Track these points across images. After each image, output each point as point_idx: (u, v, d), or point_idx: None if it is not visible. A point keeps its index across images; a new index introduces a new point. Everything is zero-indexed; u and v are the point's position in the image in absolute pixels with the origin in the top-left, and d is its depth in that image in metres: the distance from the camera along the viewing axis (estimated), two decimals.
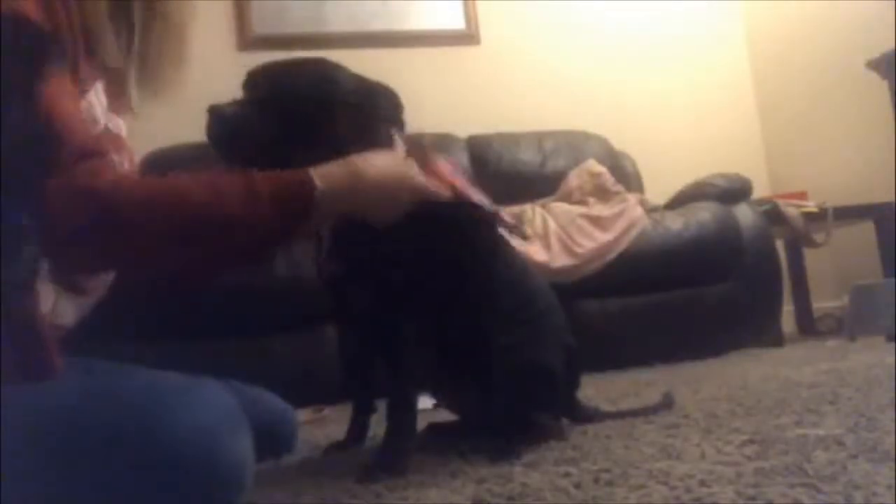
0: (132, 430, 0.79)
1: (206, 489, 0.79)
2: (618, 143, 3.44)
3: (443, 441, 1.26)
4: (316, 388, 1.98)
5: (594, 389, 1.81)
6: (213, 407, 0.83)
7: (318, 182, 0.95)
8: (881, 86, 2.98)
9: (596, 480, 0.89)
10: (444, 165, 1.13)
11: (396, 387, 1.10)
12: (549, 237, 2.65)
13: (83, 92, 0.98)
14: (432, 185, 1.06)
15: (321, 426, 1.79)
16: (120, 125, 1.09)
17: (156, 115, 1.16)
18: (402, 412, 1.09)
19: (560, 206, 2.87)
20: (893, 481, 0.74)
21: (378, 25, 3.55)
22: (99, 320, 1.16)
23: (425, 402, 1.93)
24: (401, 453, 1.07)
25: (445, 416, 1.45)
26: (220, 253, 0.95)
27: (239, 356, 2.26)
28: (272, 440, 1.21)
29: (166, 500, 0.79)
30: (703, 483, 0.82)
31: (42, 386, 0.87)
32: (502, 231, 1.27)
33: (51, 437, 0.79)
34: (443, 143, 3.25)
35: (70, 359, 1.00)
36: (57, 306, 0.98)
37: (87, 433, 0.79)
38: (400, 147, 1.12)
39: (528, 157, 3.31)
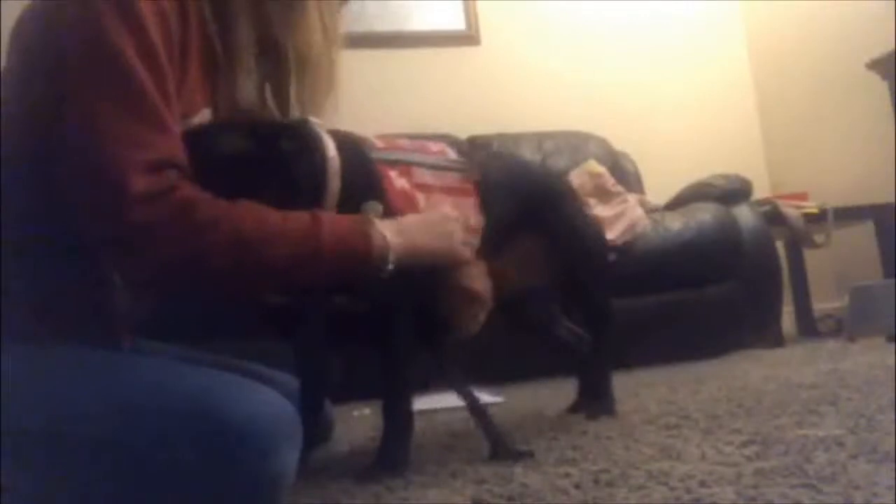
0: (178, 431, 0.79)
1: (248, 489, 0.79)
2: (618, 144, 3.44)
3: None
4: None
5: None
6: (264, 413, 0.83)
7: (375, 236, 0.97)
8: (881, 86, 2.98)
9: (596, 481, 0.89)
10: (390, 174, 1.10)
11: (391, 387, 1.10)
12: None
13: (185, 117, 0.96)
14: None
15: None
16: None
17: None
18: (399, 412, 1.09)
19: None
20: (893, 482, 0.74)
21: (379, 26, 3.55)
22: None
23: (424, 402, 1.93)
24: (399, 453, 1.07)
25: (443, 415, 1.45)
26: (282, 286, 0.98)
27: (239, 356, 2.26)
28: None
29: (209, 490, 0.79)
30: (703, 483, 0.82)
31: (112, 368, 0.88)
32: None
33: (102, 437, 0.80)
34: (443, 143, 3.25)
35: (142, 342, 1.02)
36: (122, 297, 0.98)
37: (134, 432, 0.80)
38: (331, 144, 1.05)
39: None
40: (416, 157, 1.15)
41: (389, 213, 1.05)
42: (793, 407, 1.27)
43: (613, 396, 1.44)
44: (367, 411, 1.89)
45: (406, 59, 3.57)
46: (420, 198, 1.10)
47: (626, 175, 3.33)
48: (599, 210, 2.82)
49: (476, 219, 1.17)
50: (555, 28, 3.76)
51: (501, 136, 3.34)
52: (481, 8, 3.68)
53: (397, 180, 1.10)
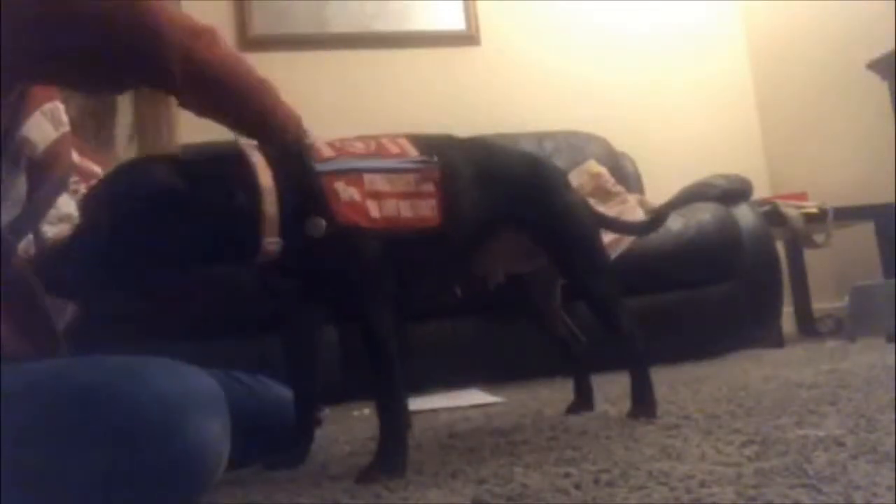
0: (95, 396, 0.79)
1: (164, 464, 0.78)
2: (618, 144, 3.44)
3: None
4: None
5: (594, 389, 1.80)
6: (181, 385, 0.82)
7: None
8: (881, 86, 2.98)
9: (596, 481, 0.88)
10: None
11: (383, 387, 1.10)
12: None
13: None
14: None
15: (321, 426, 1.79)
16: (93, 168, 1.14)
17: None
18: (393, 412, 1.09)
19: None
20: (893, 482, 0.74)
21: (378, 26, 3.55)
22: (100, 320, 1.17)
23: (425, 402, 1.93)
24: (397, 453, 1.06)
25: (443, 415, 1.44)
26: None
27: (239, 356, 2.26)
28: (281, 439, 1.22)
29: (118, 468, 0.78)
30: (703, 484, 0.81)
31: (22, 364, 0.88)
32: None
33: (22, 403, 0.80)
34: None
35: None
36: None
37: (54, 398, 0.80)
38: (266, 173, 1.05)
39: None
40: (369, 164, 1.11)
41: (336, 226, 1.05)
42: (793, 407, 1.27)
43: (654, 396, 1.40)
44: (366, 411, 1.89)
45: (406, 59, 3.57)
46: (371, 206, 1.08)
47: (626, 175, 3.33)
48: (599, 210, 2.83)
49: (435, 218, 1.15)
50: (555, 28, 3.76)
51: (501, 137, 3.34)
52: (481, 8, 3.68)
53: (345, 191, 1.07)
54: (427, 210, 1.14)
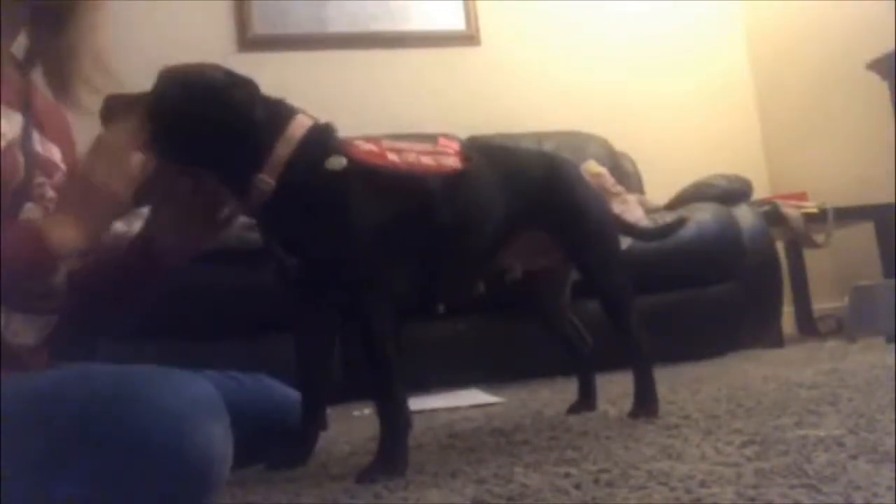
0: (98, 413, 0.79)
1: (169, 475, 0.78)
2: (618, 144, 3.44)
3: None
4: None
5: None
6: (183, 394, 0.82)
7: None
8: (881, 87, 2.98)
9: (596, 481, 0.89)
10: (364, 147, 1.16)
11: (382, 387, 1.10)
12: None
13: None
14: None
15: (326, 429, 1.78)
16: (53, 152, 1.07)
17: None
18: (393, 412, 1.09)
19: None
20: (893, 482, 0.74)
21: (379, 26, 3.55)
22: (101, 320, 1.16)
23: (424, 402, 1.93)
24: (397, 453, 1.06)
25: (443, 415, 1.44)
26: None
27: (239, 356, 2.26)
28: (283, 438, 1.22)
29: (129, 485, 0.78)
30: (703, 484, 0.82)
31: (17, 375, 0.88)
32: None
33: (22, 422, 0.80)
34: None
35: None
36: (9, 325, 0.97)
37: (55, 416, 0.80)
38: (303, 122, 1.12)
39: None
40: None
41: (356, 165, 1.10)
42: (793, 407, 1.27)
43: (656, 396, 1.40)
44: (366, 411, 1.89)
45: (406, 59, 3.57)
46: (391, 155, 1.14)
47: (626, 175, 3.32)
48: None
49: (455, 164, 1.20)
50: (555, 28, 3.76)
51: (501, 136, 3.34)
52: (481, 8, 3.68)
53: (364, 144, 1.15)
54: (449, 161, 1.19)
